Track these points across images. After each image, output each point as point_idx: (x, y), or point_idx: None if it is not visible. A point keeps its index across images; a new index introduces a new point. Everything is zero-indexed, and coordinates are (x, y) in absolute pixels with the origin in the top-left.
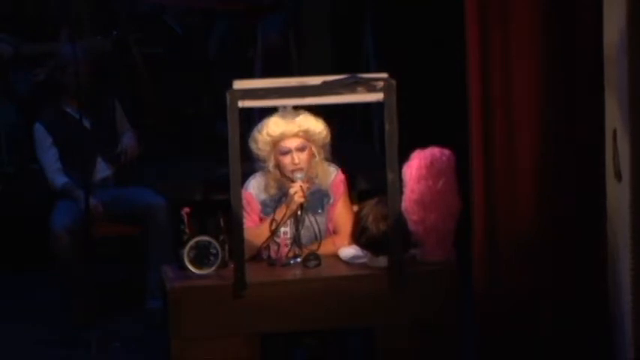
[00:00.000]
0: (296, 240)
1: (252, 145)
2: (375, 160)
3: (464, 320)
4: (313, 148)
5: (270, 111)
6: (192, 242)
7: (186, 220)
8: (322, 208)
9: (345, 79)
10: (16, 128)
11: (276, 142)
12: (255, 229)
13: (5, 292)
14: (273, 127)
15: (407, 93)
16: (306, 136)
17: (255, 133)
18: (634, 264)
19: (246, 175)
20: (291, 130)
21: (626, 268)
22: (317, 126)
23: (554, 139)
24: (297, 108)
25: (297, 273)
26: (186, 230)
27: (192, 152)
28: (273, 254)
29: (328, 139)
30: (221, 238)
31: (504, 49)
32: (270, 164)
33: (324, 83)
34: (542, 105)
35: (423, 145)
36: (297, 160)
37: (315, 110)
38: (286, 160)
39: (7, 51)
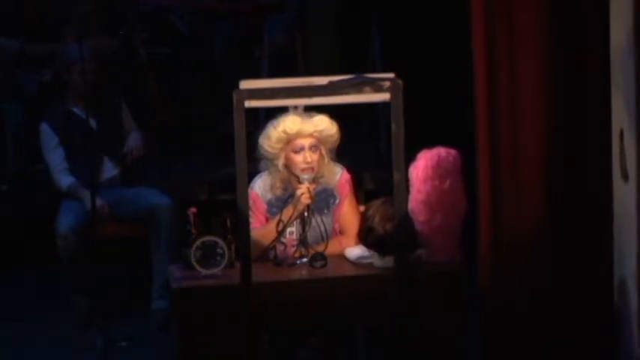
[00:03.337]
0: (302, 240)
1: (264, 142)
2: (382, 161)
3: (469, 320)
4: (323, 150)
5: (278, 111)
6: (198, 242)
7: (192, 220)
8: (328, 209)
9: (351, 79)
10: (23, 128)
11: (290, 140)
12: (261, 229)
13: (10, 292)
14: (290, 124)
15: (413, 93)
16: (320, 137)
17: (270, 129)
18: None
19: (251, 176)
20: (308, 129)
21: (633, 267)
22: (331, 128)
23: (561, 139)
24: (307, 108)
25: (303, 273)
26: (193, 230)
27: (198, 152)
28: (279, 254)
29: (338, 142)
30: (227, 238)
31: (510, 50)
32: (280, 162)
33: (331, 83)
34: (548, 106)
35: (430, 145)
36: (309, 159)
37: (321, 110)
38: (298, 158)
39: (13, 47)
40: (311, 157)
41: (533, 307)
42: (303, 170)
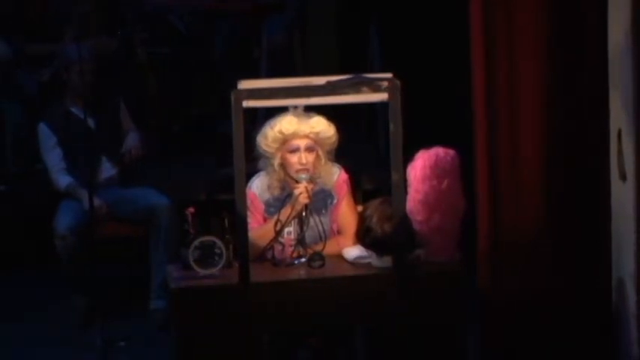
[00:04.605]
0: (300, 240)
1: (261, 141)
2: (380, 160)
3: (468, 319)
4: (320, 152)
5: (277, 111)
6: (196, 242)
7: (190, 220)
8: (326, 209)
9: (349, 79)
10: (22, 128)
11: (286, 140)
12: (259, 230)
13: (10, 292)
14: (286, 125)
15: (412, 93)
16: (317, 138)
17: (267, 129)
18: (638, 263)
19: (250, 175)
20: (304, 130)
21: (631, 268)
22: (328, 130)
23: (560, 139)
24: (307, 109)
25: (301, 273)
26: (191, 230)
27: (198, 152)
28: (277, 254)
29: (336, 144)
30: (226, 237)
31: (510, 50)
32: (276, 162)
33: (329, 83)
34: (546, 105)
35: (428, 145)
36: (304, 160)
37: (320, 110)
38: (294, 158)
39: (6, 53)
40: (306, 158)
41: (533, 307)
42: (297, 171)
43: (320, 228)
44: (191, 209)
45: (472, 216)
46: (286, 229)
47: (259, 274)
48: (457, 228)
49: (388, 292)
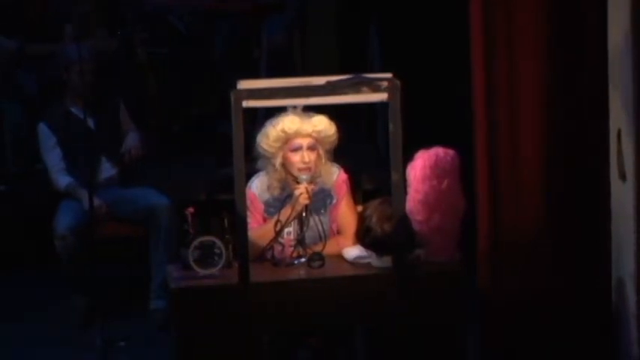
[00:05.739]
0: (300, 241)
1: (263, 140)
2: (380, 160)
3: (468, 319)
4: (320, 151)
5: (276, 111)
6: (196, 242)
7: (190, 220)
8: (325, 209)
9: (349, 79)
10: (22, 128)
11: (288, 140)
12: (259, 230)
13: (10, 292)
14: (289, 124)
15: (412, 93)
16: (318, 137)
17: (269, 128)
18: (638, 263)
19: (249, 175)
20: (306, 129)
21: (631, 267)
22: (330, 129)
23: (560, 139)
24: (306, 109)
25: (301, 273)
26: (191, 230)
27: (198, 152)
28: (277, 254)
29: (336, 143)
30: (225, 237)
31: (510, 50)
32: (277, 162)
33: (329, 83)
34: (546, 105)
35: (428, 145)
36: (307, 159)
37: (319, 110)
38: (296, 157)
39: (10, 47)
40: (309, 156)
41: (533, 307)
42: (300, 170)
43: (320, 228)
44: (191, 209)
45: (472, 216)
46: (286, 230)
47: (259, 274)
48: (457, 228)
49: (388, 292)
